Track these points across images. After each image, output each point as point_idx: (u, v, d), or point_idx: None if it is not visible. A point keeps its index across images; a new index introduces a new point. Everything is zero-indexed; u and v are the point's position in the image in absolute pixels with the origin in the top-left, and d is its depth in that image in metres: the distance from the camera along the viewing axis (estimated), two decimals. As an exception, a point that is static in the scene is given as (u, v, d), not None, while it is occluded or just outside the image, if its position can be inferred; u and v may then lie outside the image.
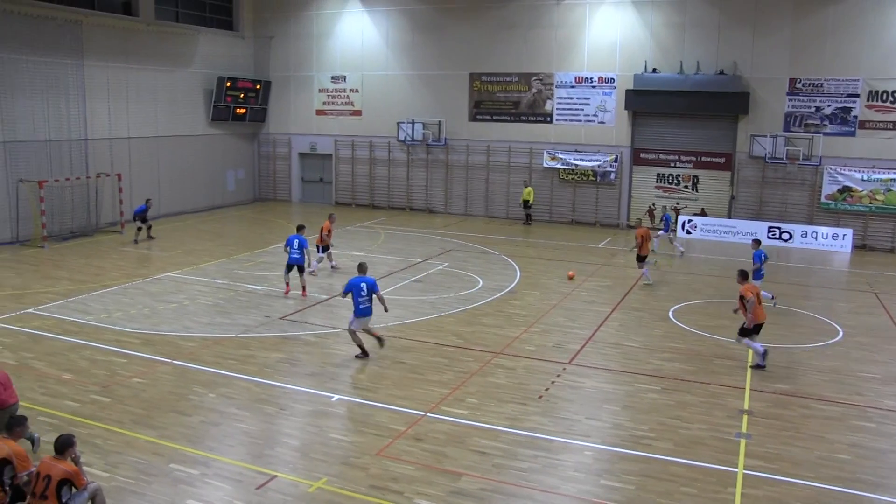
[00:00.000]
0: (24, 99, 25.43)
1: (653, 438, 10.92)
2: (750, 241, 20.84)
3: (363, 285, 14.06)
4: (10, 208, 25.18)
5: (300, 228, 19.43)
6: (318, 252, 21.57)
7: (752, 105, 28.21)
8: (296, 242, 18.64)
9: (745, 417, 11.79)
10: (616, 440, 10.89)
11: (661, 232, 26.22)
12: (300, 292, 18.75)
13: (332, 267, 21.74)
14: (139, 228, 25.86)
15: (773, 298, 18.63)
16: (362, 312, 14.09)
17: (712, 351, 15.18)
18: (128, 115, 29.80)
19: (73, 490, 8.07)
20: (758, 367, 14.02)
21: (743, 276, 14.61)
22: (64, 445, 8.17)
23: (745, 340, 14.27)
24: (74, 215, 27.19)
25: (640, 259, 20.82)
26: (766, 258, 19.03)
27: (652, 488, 9.45)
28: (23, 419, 8.77)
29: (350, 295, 14.14)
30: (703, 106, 28.69)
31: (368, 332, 14.36)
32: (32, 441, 9.96)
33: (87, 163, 27.74)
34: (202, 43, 33.24)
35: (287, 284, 18.90)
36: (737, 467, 10.06)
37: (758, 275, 18.58)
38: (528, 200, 31.49)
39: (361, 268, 14.71)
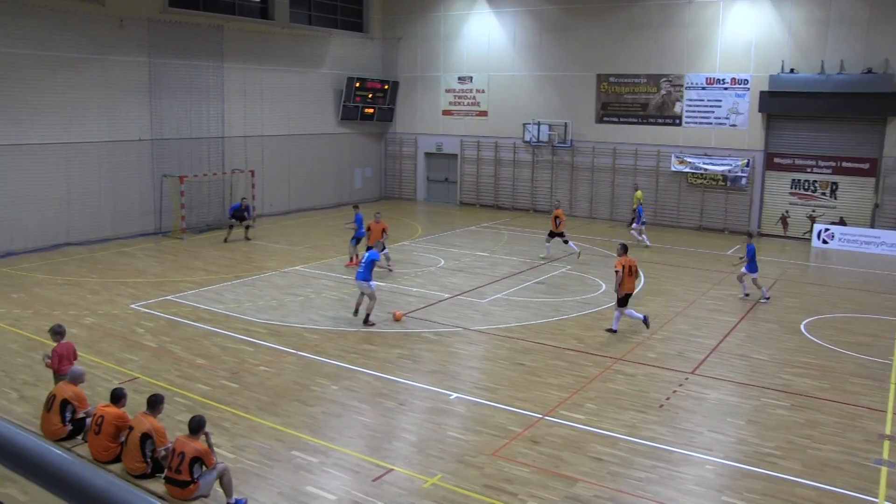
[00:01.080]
0: (170, 100, 26.94)
1: (779, 457, 10.43)
2: None
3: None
4: (154, 201, 26.74)
5: (356, 207, 22.44)
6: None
7: (904, 107, 26.42)
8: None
9: (886, 443, 10.99)
10: (739, 456, 10.48)
11: (635, 224, 27.17)
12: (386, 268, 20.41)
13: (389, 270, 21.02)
14: (231, 226, 25.74)
15: (755, 294, 19.37)
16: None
17: (849, 369, 14.36)
18: (262, 115, 31.05)
19: (204, 468, 8.50)
20: (610, 330, 16.00)
21: (623, 249, 16.32)
22: (197, 425, 8.63)
23: (627, 311, 15.96)
24: (210, 209, 28.56)
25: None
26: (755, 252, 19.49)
27: (777, 507, 9.04)
28: (162, 398, 9.29)
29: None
30: (846, 108, 27.09)
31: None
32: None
33: (224, 159, 29.08)
34: (333, 45, 34.21)
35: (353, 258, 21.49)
36: (877, 497, 9.38)
37: (750, 267, 19.22)
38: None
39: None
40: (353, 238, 22.10)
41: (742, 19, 28.81)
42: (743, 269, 19.42)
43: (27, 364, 13.47)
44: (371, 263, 16.18)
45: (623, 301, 15.98)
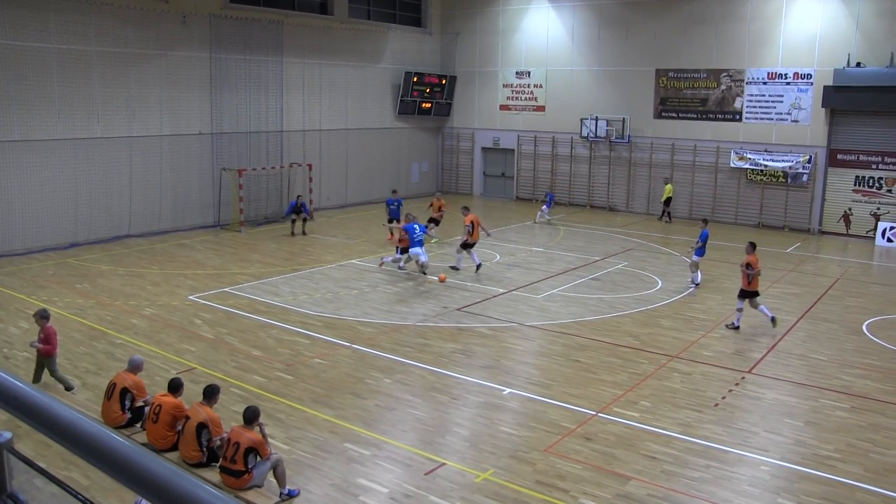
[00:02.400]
0: (231, 94, 27.41)
1: (839, 460, 10.19)
2: None
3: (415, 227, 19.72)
4: (213, 194, 27.25)
5: (394, 192, 23.45)
6: (397, 253, 20.78)
7: (978, 101, 25.41)
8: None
9: (949, 446, 10.71)
10: (797, 457, 10.27)
11: (544, 207, 28.98)
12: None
13: (400, 268, 20.88)
14: (293, 221, 26.20)
15: (695, 284, 19.86)
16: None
17: (913, 370, 13.97)
18: (320, 109, 31.37)
19: (258, 459, 8.64)
20: (733, 327, 16.30)
21: (752, 247, 16.66)
22: (252, 416, 8.78)
23: (760, 307, 16.20)
24: (269, 202, 28.99)
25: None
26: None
27: (836, 512, 8.84)
28: (219, 388, 9.47)
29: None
30: (916, 103, 26.21)
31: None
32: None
33: (282, 153, 29.47)
34: (391, 39, 34.38)
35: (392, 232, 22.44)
36: (939, 501, 9.15)
37: (700, 252, 19.70)
38: (670, 198, 30.74)
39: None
40: (389, 220, 24.52)
41: (807, 13, 28.08)
42: (694, 256, 19.87)
43: (90, 352, 13.87)
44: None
45: (749, 294, 16.22)
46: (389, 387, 12.51)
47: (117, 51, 23.97)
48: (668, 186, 30.67)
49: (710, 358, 14.32)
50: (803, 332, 16.14)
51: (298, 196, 26.91)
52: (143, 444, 9.05)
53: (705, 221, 21.33)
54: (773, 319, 16.01)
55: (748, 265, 16.13)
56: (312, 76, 30.75)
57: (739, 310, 16.35)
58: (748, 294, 16.25)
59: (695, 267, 19.93)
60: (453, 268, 20.72)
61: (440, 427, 11.03)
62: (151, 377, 12.13)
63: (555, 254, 23.43)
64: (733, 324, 16.34)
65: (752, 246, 16.69)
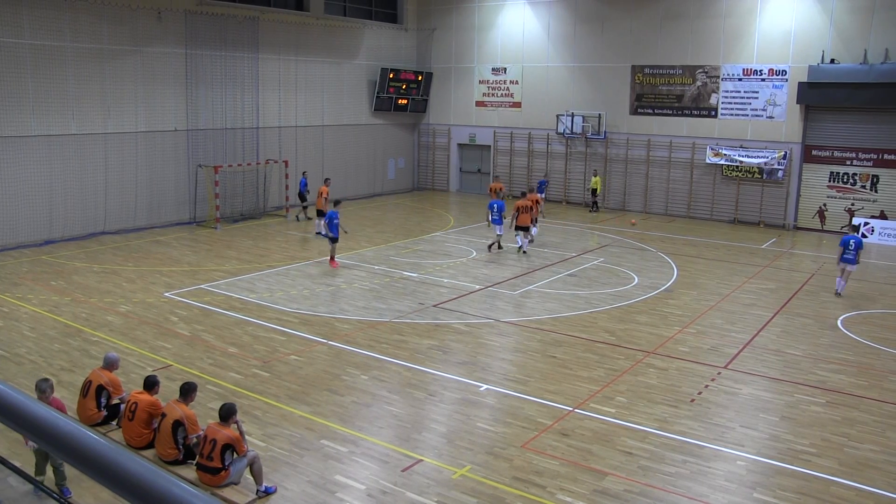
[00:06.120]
0: (206, 90, 27.20)
1: (814, 454, 10.30)
2: None
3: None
4: (189, 191, 27.04)
5: (336, 203, 21.70)
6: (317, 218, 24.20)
7: (953, 96, 25.69)
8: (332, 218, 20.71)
9: (923, 440, 10.84)
10: (772, 452, 10.37)
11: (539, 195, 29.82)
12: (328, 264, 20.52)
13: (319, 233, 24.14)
14: (305, 207, 28.00)
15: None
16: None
17: (888, 366, 14.11)
18: (296, 105, 31.21)
19: (235, 456, 8.60)
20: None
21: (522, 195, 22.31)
22: (228, 413, 8.73)
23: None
24: (245, 199, 28.82)
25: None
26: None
27: (810, 505, 8.93)
28: (195, 386, 9.40)
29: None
30: (890, 98, 26.37)
31: None
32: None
33: (258, 150, 29.30)
34: (367, 35, 34.26)
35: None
36: (912, 494, 9.26)
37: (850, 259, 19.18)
38: (596, 189, 31.82)
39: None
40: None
41: (781, 9, 28.33)
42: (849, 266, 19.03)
43: (64, 350, 13.72)
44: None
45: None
46: (366, 383, 12.49)
47: (92, 47, 23.69)
48: (596, 178, 31.70)
49: (687, 354, 14.42)
50: (779, 328, 16.30)
51: (304, 172, 28.62)
52: (118, 443, 8.99)
53: (855, 228, 21.65)
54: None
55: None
56: (288, 72, 30.58)
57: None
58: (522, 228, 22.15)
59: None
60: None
61: (417, 423, 11.02)
62: (127, 374, 12.04)
63: (531, 250, 23.47)
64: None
65: (523, 194, 23.40)
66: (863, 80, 26.50)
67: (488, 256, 22.42)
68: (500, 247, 23.21)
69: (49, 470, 8.69)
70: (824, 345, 15.25)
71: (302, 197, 27.87)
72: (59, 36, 22.81)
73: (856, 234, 20.10)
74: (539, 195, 26.69)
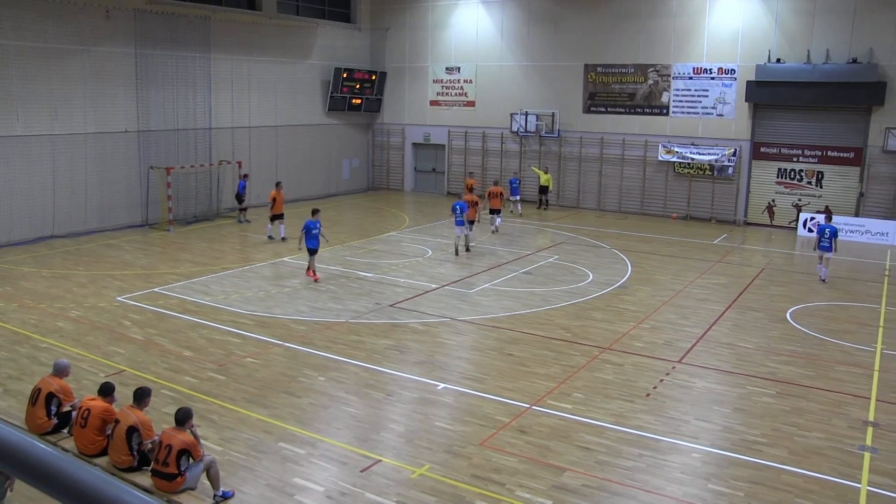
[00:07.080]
0: (157, 91, 26.78)
1: (765, 444, 10.52)
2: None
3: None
4: (141, 193, 26.60)
5: (315, 212, 19.86)
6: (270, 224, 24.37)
7: (889, 95, 26.33)
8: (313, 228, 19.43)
9: (870, 430, 11.12)
10: (726, 444, 10.56)
11: (512, 196, 30.37)
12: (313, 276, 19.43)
13: (274, 237, 24.33)
14: (244, 209, 27.69)
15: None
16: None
17: (834, 357, 14.49)
18: (249, 106, 30.90)
19: (191, 461, 8.49)
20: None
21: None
22: (184, 418, 8.61)
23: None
24: (198, 201, 28.45)
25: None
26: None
27: (763, 496, 9.10)
28: (149, 391, 9.25)
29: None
30: (832, 97, 27.16)
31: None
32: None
33: (211, 151, 28.94)
34: (321, 35, 34.06)
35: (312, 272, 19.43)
36: (860, 482, 9.50)
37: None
38: (548, 186, 32.14)
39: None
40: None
41: (729, 9, 28.85)
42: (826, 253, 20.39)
43: (11, 358, 13.41)
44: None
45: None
46: (323, 385, 12.43)
47: (37, 45, 23.17)
48: (547, 176, 32.09)
49: (642, 349, 14.61)
50: (731, 322, 16.60)
51: (245, 175, 28.12)
52: (70, 451, 8.83)
53: (829, 217, 22.80)
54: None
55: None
56: (241, 72, 30.26)
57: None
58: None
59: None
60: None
61: (375, 424, 11.00)
62: (79, 381, 11.80)
63: (486, 248, 23.57)
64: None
65: (496, 182, 26.69)
66: (807, 80, 27.19)
67: (444, 256, 22.45)
68: (467, 249, 23.03)
69: None
70: (774, 337, 15.58)
71: (239, 199, 27.42)
72: (0, 33, 22.27)
73: (830, 223, 20.96)
74: (515, 196, 30.05)
